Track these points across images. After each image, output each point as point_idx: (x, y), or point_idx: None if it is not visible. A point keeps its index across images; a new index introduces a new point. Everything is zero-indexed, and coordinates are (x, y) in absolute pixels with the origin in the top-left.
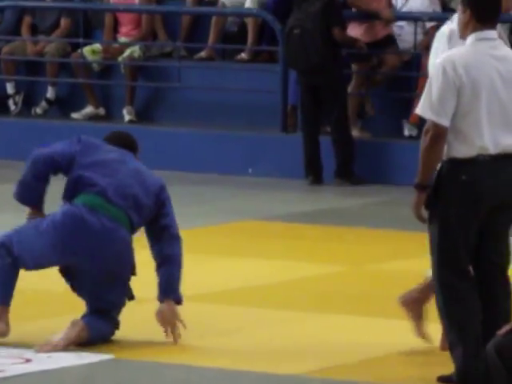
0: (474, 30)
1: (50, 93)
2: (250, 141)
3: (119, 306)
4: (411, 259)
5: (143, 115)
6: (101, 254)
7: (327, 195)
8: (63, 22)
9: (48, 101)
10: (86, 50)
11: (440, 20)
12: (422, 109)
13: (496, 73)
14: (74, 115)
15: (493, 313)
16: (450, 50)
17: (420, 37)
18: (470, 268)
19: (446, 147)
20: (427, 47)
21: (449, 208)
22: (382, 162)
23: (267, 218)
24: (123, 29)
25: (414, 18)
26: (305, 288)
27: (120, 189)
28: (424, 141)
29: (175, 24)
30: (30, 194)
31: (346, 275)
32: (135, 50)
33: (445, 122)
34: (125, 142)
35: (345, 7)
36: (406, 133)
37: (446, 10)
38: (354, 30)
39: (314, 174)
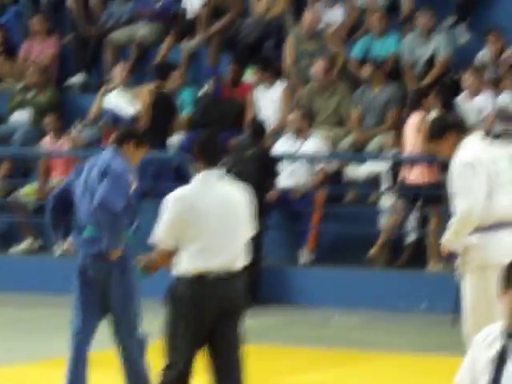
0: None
1: None
2: None
3: None
4: (307, 373)
5: None
6: None
7: None
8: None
9: None
10: (23, 191)
11: (333, 158)
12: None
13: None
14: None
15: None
16: None
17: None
18: None
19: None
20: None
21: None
22: (282, 286)
23: None
24: (56, 172)
25: (308, 157)
26: None
27: None
28: None
29: None
30: None
31: None
32: None
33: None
34: None
35: None
36: (302, 260)
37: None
38: None
39: None
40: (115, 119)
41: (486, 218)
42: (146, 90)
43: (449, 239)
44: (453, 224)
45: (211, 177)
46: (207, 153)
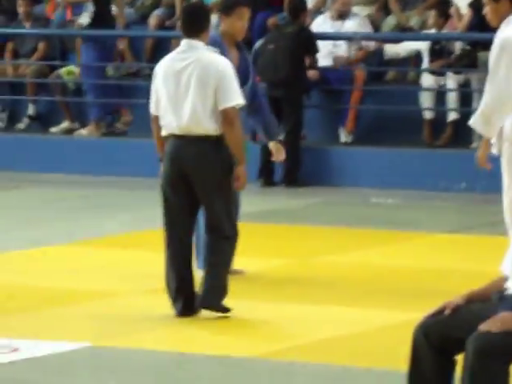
0: None
1: (32, 110)
2: None
3: None
4: (349, 252)
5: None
6: None
7: (276, 196)
8: (41, 46)
9: (30, 117)
10: (63, 71)
11: (371, 39)
12: None
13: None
14: (53, 129)
15: None
16: None
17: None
18: None
19: None
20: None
21: None
22: (322, 166)
23: None
24: None
25: (347, 37)
26: (256, 280)
27: None
28: None
29: (140, 47)
30: None
31: (292, 267)
32: (109, 70)
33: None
34: None
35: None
36: (343, 139)
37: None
38: None
39: (265, 177)
40: None
41: None
42: None
43: (475, 122)
44: (481, 106)
45: (185, 46)
46: (186, 23)
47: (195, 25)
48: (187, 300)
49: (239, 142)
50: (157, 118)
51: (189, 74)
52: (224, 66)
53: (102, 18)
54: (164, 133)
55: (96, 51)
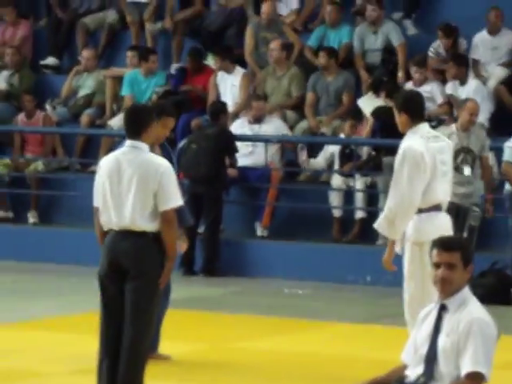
0: None
1: None
2: None
3: None
4: (261, 339)
5: (45, 218)
6: None
7: (195, 285)
8: None
9: None
10: None
11: (287, 141)
12: None
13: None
14: None
15: None
16: None
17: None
18: None
19: None
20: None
21: None
22: (239, 258)
23: None
24: (29, 147)
25: (265, 139)
26: (172, 363)
27: None
28: None
29: (71, 143)
30: None
31: (204, 353)
32: (39, 164)
33: None
34: None
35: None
36: (259, 233)
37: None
38: None
39: (186, 266)
40: None
41: (425, 202)
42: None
43: (379, 225)
44: (385, 211)
45: (128, 147)
46: (128, 124)
47: (137, 126)
48: None
49: (175, 240)
50: (98, 210)
51: (131, 175)
52: (165, 167)
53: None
54: (104, 228)
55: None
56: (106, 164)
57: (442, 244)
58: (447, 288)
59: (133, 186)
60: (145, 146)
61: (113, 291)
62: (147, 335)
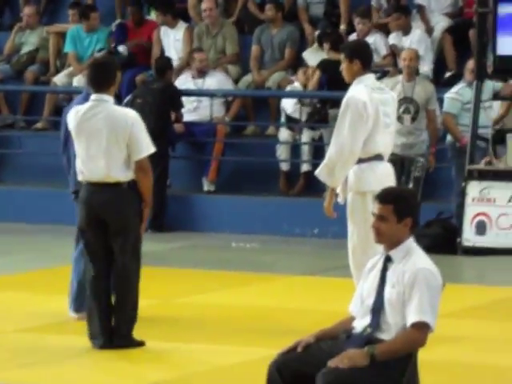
0: None
1: None
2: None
3: None
4: (210, 293)
5: None
6: None
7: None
8: None
9: None
10: None
11: (231, 95)
12: None
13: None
14: None
15: None
16: None
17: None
18: None
19: None
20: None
21: None
22: (186, 213)
23: None
24: None
25: (210, 94)
26: None
27: None
28: None
29: (16, 100)
30: None
31: (156, 308)
32: None
33: None
34: None
35: None
36: (205, 188)
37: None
38: None
39: None
40: None
41: (365, 152)
42: None
43: (320, 172)
44: (326, 158)
45: (95, 101)
46: (94, 78)
47: (104, 79)
48: (108, 332)
49: (150, 187)
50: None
51: (100, 128)
52: (133, 118)
53: None
54: (80, 178)
55: None
56: (73, 119)
57: (378, 195)
58: (379, 238)
59: (103, 138)
60: (110, 99)
61: (95, 242)
62: (136, 262)
